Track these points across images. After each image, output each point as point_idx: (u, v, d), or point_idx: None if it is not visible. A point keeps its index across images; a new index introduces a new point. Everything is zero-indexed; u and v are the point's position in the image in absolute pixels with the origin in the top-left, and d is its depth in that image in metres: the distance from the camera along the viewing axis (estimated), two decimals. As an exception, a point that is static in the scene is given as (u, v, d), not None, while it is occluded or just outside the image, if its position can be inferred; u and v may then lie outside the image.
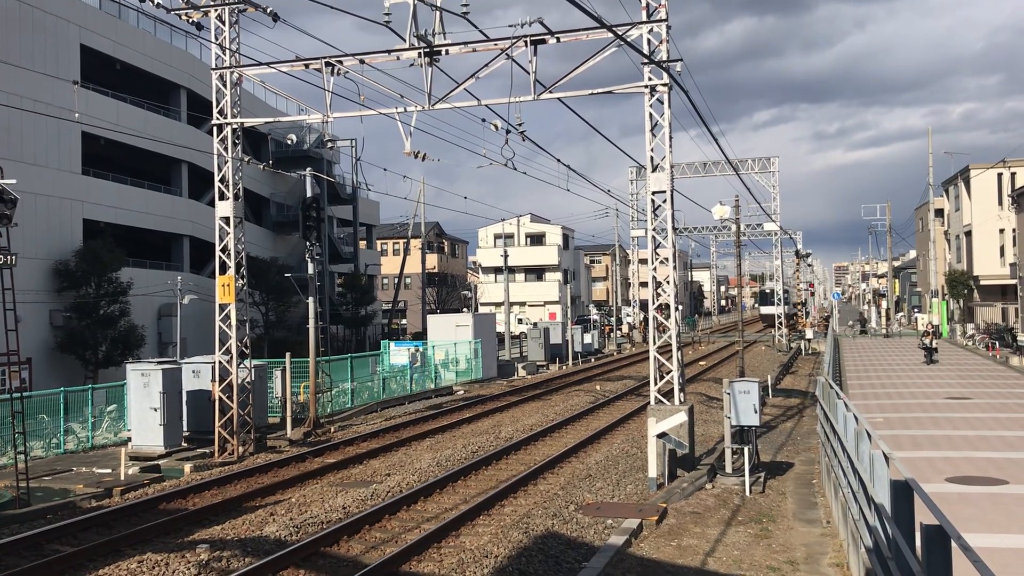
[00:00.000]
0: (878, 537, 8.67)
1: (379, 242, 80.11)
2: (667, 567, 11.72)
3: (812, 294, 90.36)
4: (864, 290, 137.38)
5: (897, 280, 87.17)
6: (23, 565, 12.13)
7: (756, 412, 16.66)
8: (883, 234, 76.70)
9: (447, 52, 18.37)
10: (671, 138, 17.51)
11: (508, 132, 18.75)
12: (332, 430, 24.90)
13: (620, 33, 16.27)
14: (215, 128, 21.18)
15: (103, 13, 42.41)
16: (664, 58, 17.09)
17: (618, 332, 70.08)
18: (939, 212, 66.04)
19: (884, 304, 70.74)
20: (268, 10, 19.04)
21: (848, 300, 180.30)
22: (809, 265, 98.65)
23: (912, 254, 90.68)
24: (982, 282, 55.42)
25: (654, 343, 17.70)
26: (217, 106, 21.09)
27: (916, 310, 76.63)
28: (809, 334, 57.53)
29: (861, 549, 9.94)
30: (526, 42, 17.69)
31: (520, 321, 77.07)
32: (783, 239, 65.75)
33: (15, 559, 12.72)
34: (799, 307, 71.20)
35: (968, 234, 56.78)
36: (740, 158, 60.30)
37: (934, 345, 35.13)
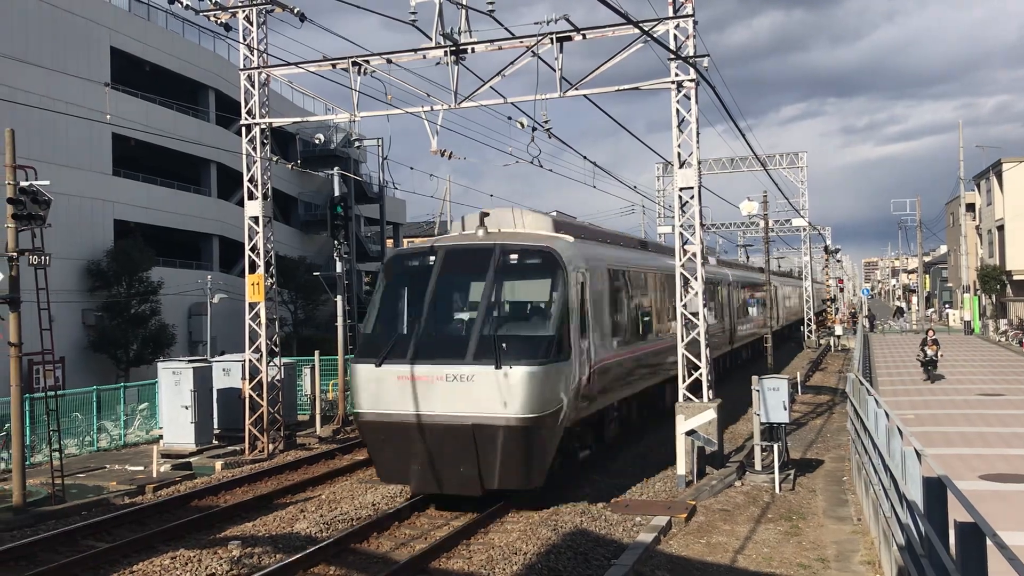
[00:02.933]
0: (911, 535, 8.60)
1: (406, 240, 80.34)
2: (697, 564, 11.69)
3: (842, 290, 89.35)
4: (894, 286, 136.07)
5: (928, 275, 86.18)
6: (59, 560, 12.32)
7: (785, 409, 16.57)
8: (913, 229, 75.92)
9: (473, 50, 18.37)
10: (698, 134, 17.42)
11: (534, 130, 18.71)
12: (361, 428, 25.01)
13: (646, 29, 16.19)
14: (243, 128, 21.34)
15: (132, 15, 42.86)
16: (691, 54, 17.00)
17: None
18: (970, 206, 65.16)
19: (914, 300, 69.87)
20: (295, 10, 19.15)
21: (873, 296, 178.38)
22: (838, 261, 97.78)
23: (943, 249, 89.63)
24: (1015, 277, 54.64)
25: (682, 340, 17.63)
26: (245, 106, 21.24)
27: (947, 305, 75.71)
28: (839, 330, 57.01)
29: (893, 547, 9.87)
30: (552, 39, 17.66)
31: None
32: (812, 235, 65.21)
33: (51, 554, 12.92)
34: (828, 303, 70.47)
35: (1000, 228, 56.02)
36: (768, 153, 59.87)
37: (938, 356, 27.08)
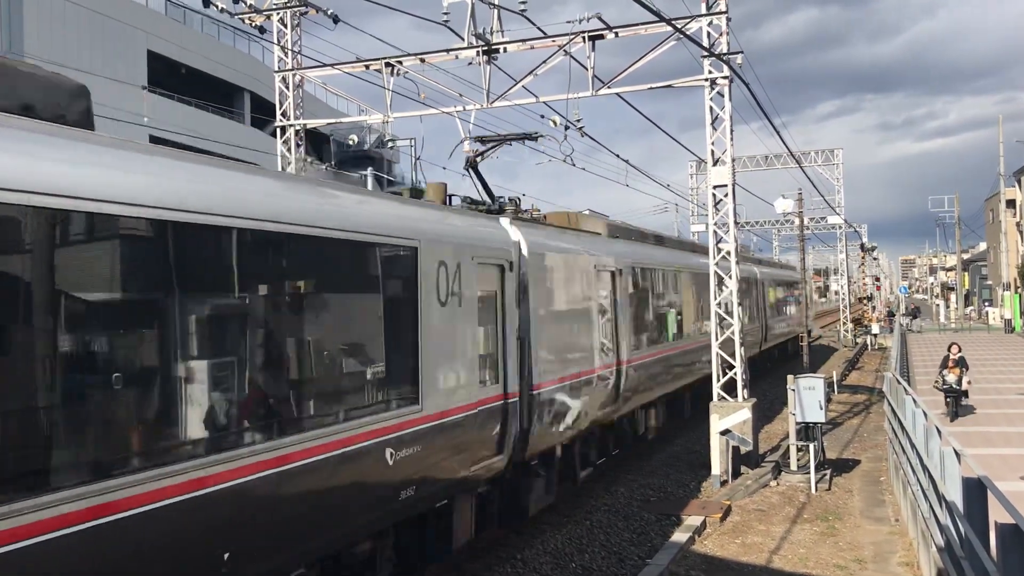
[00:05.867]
0: (950, 536, 8.51)
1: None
2: (732, 564, 11.63)
3: (879, 288, 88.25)
4: (932, 284, 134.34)
5: (967, 273, 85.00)
6: None
7: (821, 408, 16.44)
8: (951, 226, 74.91)
9: (505, 50, 18.40)
10: (732, 131, 17.31)
11: (567, 128, 18.71)
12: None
13: (679, 26, 16.13)
14: (279, 130, 21.52)
15: (169, 19, 43.41)
16: (724, 51, 16.89)
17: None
18: (1011, 203, 64.20)
19: (953, 298, 68.78)
20: (329, 12, 19.29)
21: (911, 294, 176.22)
22: (875, 259, 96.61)
23: (982, 246, 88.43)
24: (1057, 274, 53.75)
25: (716, 339, 17.54)
26: (280, 108, 21.44)
27: (987, 304, 74.62)
28: (875, 329, 56.33)
29: (932, 548, 9.76)
30: (584, 38, 17.64)
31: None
32: (848, 232, 64.49)
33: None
34: (865, 301, 69.68)
35: (1042, 225, 55.14)
36: (803, 150, 59.25)
37: (965, 386, 19.54)
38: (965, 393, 19.61)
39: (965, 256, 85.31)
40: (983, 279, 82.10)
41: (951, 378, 19.31)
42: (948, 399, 19.39)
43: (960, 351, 20.02)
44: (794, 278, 44.00)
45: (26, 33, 34.62)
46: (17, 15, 34.60)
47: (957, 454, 8.59)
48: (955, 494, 8.20)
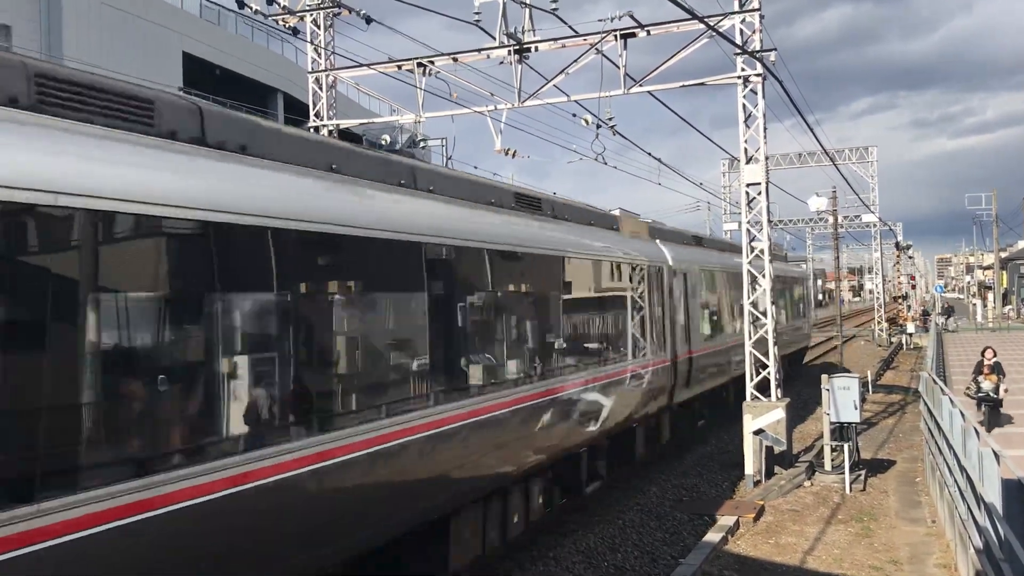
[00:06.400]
0: (989, 538, 8.42)
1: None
2: (765, 565, 11.58)
3: (914, 287, 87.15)
4: (969, 283, 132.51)
5: (1004, 271, 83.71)
6: None
7: (856, 408, 16.30)
8: (989, 224, 73.83)
9: (536, 49, 18.40)
10: (765, 129, 17.19)
11: (599, 127, 18.69)
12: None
13: (712, 24, 16.03)
14: (312, 130, 21.67)
15: (204, 21, 43.88)
16: (757, 48, 16.79)
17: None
18: (1050, 200, 63.11)
19: (990, 297, 67.76)
20: (361, 12, 19.40)
21: (947, 293, 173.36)
22: (910, 257, 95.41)
23: (1020, 244, 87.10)
24: (1098, 273, 52.79)
25: (749, 338, 17.44)
26: (313, 108, 21.61)
27: (1025, 303, 73.48)
28: (910, 328, 55.69)
29: (970, 550, 9.66)
30: (615, 36, 17.60)
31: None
32: (882, 231, 63.77)
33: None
34: (901, 300, 68.91)
35: (1082, 223, 54.16)
36: (837, 148, 58.68)
37: (1002, 394, 17.90)
38: (1000, 402, 18.01)
39: (1003, 254, 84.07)
40: (1021, 277, 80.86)
41: (987, 385, 17.77)
42: (983, 408, 17.86)
43: (995, 355, 18.28)
44: (786, 272, 31.85)
45: (64, 38, 35.16)
46: (56, 20, 35.15)
47: (996, 455, 8.49)
48: (994, 495, 8.11)
